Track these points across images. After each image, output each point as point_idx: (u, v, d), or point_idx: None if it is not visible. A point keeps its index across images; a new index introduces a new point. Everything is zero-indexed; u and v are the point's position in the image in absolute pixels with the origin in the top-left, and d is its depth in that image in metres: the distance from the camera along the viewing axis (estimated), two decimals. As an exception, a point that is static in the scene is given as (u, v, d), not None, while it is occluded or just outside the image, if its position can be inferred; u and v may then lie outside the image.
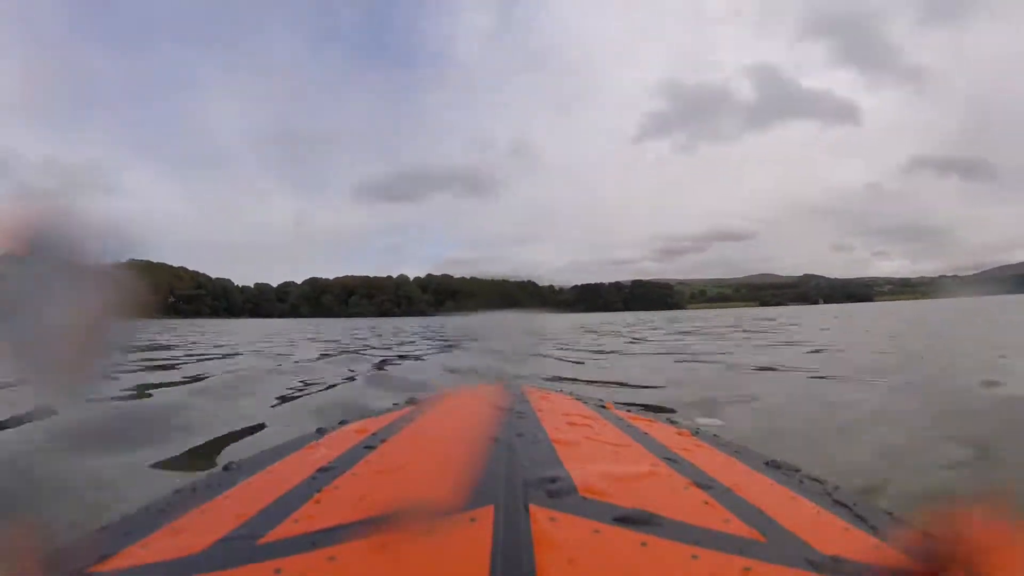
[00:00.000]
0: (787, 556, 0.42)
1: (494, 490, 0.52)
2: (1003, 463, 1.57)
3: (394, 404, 1.29)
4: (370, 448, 0.75)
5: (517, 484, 0.53)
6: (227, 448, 2.95)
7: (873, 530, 0.50)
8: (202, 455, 2.44)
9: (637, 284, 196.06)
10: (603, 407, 1.08)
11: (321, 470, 0.65)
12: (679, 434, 0.84)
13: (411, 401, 1.25)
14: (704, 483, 0.56)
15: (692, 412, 2.48)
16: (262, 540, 0.46)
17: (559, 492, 0.52)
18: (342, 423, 1.10)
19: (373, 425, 0.94)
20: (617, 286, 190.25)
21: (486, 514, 0.46)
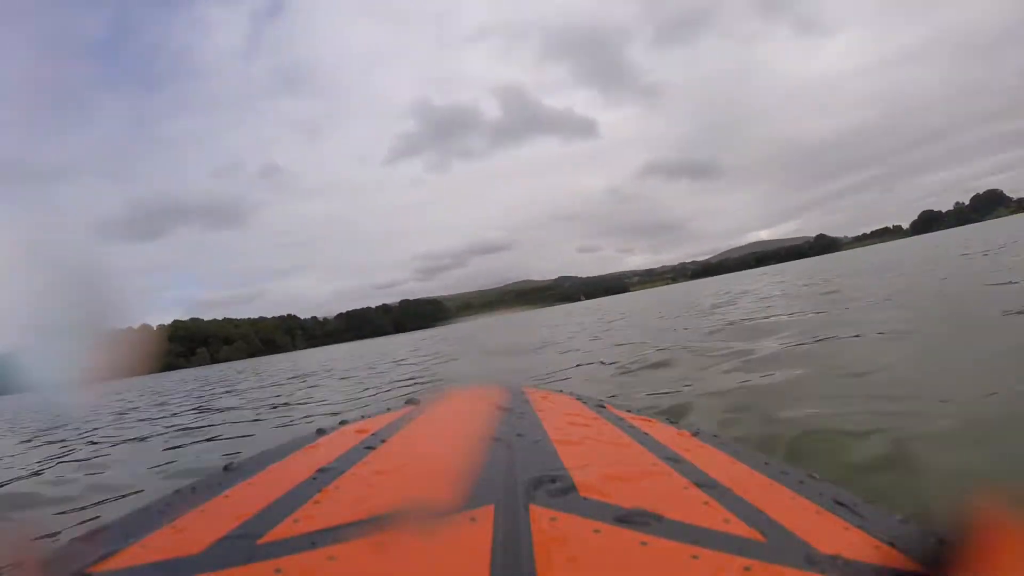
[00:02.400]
0: (787, 556, 0.42)
1: (494, 490, 0.52)
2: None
3: (394, 404, 1.29)
4: (370, 448, 0.75)
5: (517, 484, 0.53)
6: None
7: (873, 530, 0.50)
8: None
9: (405, 304, 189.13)
10: (603, 407, 1.08)
11: (321, 470, 0.65)
12: (679, 434, 0.84)
13: (411, 401, 1.25)
14: (704, 483, 0.56)
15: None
16: (262, 540, 0.46)
17: (559, 492, 0.52)
18: (342, 423, 1.10)
19: (373, 425, 0.94)
20: (385, 308, 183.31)
21: (486, 514, 0.46)
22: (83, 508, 2.05)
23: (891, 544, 0.47)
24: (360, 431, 0.89)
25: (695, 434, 0.85)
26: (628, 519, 0.46)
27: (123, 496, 2.16)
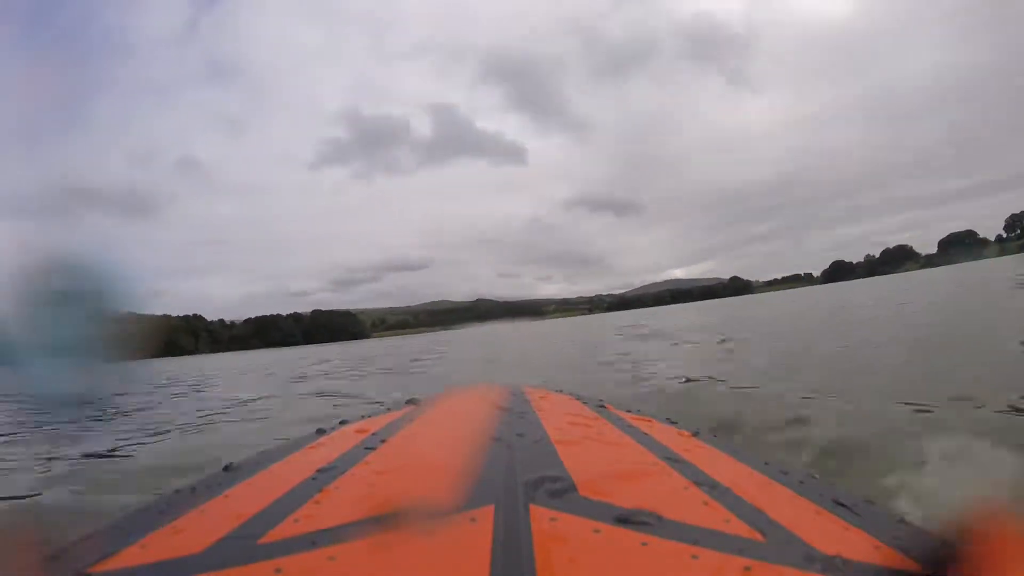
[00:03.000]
0: (787, 556, 0.42)
1: (494, 490, 0.52)
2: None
3: (394, 404, 1.29)
4: (370, 448, 0.75)
5: (517, 484, 0.53)
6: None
7: (873, 530, 0.50)
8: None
9: (317, 315, 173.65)
10: (603, 407, 1.08)
11: (321, 470, 0.65)
12: (679, 434, 0.84)
13: (411, 401, 1.25)
14: (704, 483, 0.56)
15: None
16: (262, 540, 0.46)
17: (559, 492, 0.52)
18: (342, 423, 1.10)
19: (373, 425, 0.94)
20: (296, 317, 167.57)
21: (486, 514, 0.46)
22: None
23: (891, 544, 0.47)
24: (360, 431, 0.89)
25: (695, 434, 0.85)
26: (628, 519, 0.46)
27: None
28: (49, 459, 2.91)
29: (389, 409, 1.21)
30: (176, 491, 0.71)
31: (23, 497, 2.44)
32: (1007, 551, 0.38)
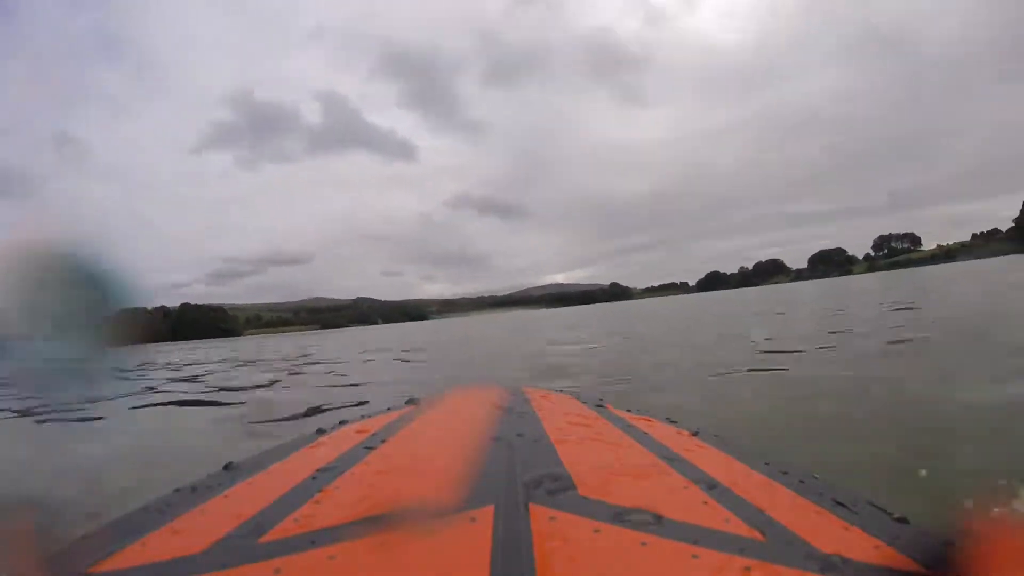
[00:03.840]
0: (787, 556, 0.42)
1: (494, 490, 0.52)
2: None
3: (394, 404, 1.29)
4: (370, 448, 0.75)
5: (517, 483, 0.53)
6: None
7: (873, 530, 0.50)
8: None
9: (186, 309, 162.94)
10: (603, 407, 1.08)
11: (321, 470, 0.65)
12: (679, 434, 0.84)
13: (411, 401, 1.25)
14: (704, 483, 0.56)
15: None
16: (262, 539, 0.46)
17: (559, 491, 0.52)
18: (342, 423, 1.10)
19: (373, 425, 0.94)
20: (164, 311, 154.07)
21: (486, 514, 0.46)
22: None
23: (891, 544, 0.47)
24: (360, 431, 0.89)
25: (695, 434, 0.85)
26: (628, 519, 0.46)
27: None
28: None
29: (389, 409, 1.21)
30: (176, 491, 0.71)
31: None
32: (1007, 551, 0.38)
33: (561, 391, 1.37)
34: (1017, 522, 0.39)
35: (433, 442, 0.86)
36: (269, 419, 3.20)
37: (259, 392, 4.90)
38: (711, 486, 0.55)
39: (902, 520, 0.55)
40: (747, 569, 0.39)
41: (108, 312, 0.57)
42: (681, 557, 0.41)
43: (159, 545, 0.50)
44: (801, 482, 0.64)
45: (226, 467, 0.80)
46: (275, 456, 0.80)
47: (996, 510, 0.41)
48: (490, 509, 0.47)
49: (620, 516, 0.46)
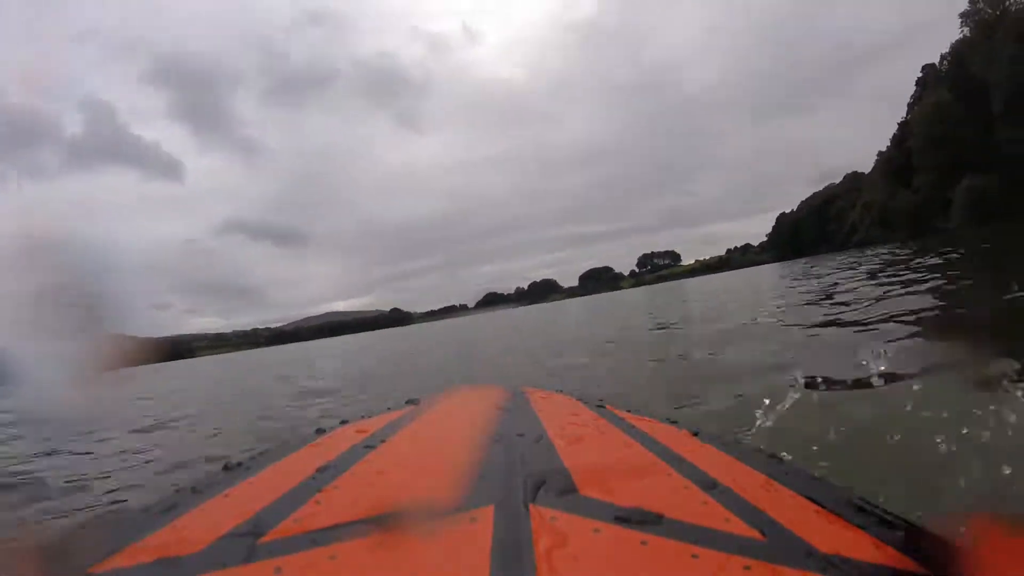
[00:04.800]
0: (787, 556, 0.42)
1: (494, 489, 0.52)
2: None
3: (394, 404, 1.29)
4: (370, 448, 0.75)
5: (517, 483, 0.53)
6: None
7: (873, 530, 0.50)
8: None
9: None
10: (603, 407, 1.08)
11: (321, 470, 0.65)
12: (679, 434, 0.84)
13: (411, 401, 1.24)
14: (704, 483, 0.56)
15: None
16: (262, 539, 0.46)
17: (559, 491, 0.52)
18: (342, 423, 1.10)
19: (373, 425, 0.94)
20: None
21: (486, 514, 0.46)
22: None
23: (891, 544, 0.47)
24: (360, 431, 0.89)
25: (695, 434, 0.85)
26: (628, 519, 0.46)
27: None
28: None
29: (389, 409, 1.21)
30: (176, 491, 0.71)
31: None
32: (1007, 551, 0.38)
33: (560, 391, 1.37)
34: (1017, 522, 0.39)
35: (433, 442, 0.86)
36: None
37: None
38: (711, 486, 0.55)
39: (902, 520, 0.55)
40: (747, 569, 0.39)
41: (104, 331, 0.58)
42: (681, 557, 0.41)
43: (159, 545, 0.50)
44: (801, 482, 0.64)
45: (226, 467, 0.80)
46: (275, 456, 0.80)
47: (996, 510, 0.41)
48: (490, 509, 0.47)
49: (620, 516, 0.46)
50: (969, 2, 34.44)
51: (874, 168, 49.24)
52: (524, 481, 0.54)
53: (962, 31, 36.13)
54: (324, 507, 0.53)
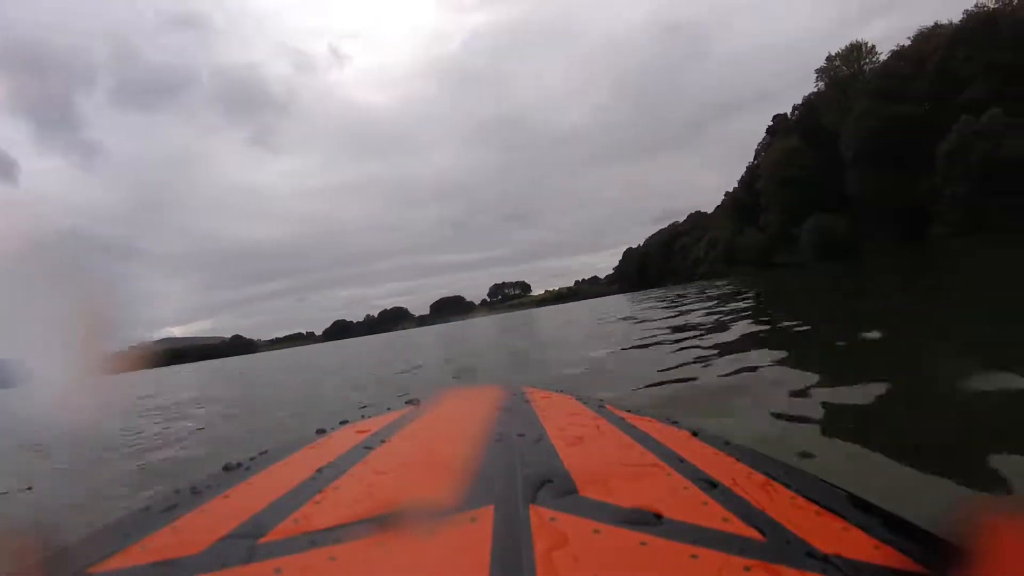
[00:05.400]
0: (787, 556, 0.42)
1: (494, 490, 0.52)
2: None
3: (394, 405, 1.29)
4: (370, 448, 0.75)
5: (517, 483, 0.53)
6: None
7: (873, 530, 0.50)
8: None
9: None
10: (603, 407, 1.08)
11: (321, 470, 0.65)
12: (679, 434, 0.84)
13: (411, 401, 1.24)
14: (704, 483, 0.56)
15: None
16: (262, 540, 0.46)
17: (559, 491, 0.52)
18: (342, 423, 1.10)
19: (373, 425, 0.94)
20: None
21: (486, 514, 0.46)
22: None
23: (891, 544, 0.47)
24: (360, 431, 0.89)
25: (695, 434, 0.85)
26: (628, 519, 0.46)
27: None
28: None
29: (390, 409, 1.21)
30: (176, 491, 0.71)
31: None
32: (1007, 551, 0.38)
33: (561, 391, 1.37)
34: (1017, 522, 0.39)
35: (433, 442, 0.86)
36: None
37: None
38: (711, 486, 0.55)
39: (902, 520, 0.55)
40: (747, 569, 0.39)
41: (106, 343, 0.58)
42: (681, 557, 0.41)
43: (159, 545, 0.50)
44: (801, 482, 0.64)
45: (226, 467, 0.80)
46: (275, 456, 0.80)
47: (995, 510, 0.41)
48: (490, 509, 0.47)
49: (620, 516, 0.46)
50: (826, 60, 39.40)
51: (721, 206, 54.77)
52: (524, 481, 0.54)
53: (817, 85, 41.15)
54: (324, 507, 0.53)
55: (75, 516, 1.95)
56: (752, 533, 0.45)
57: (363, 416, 1.16)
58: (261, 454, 0.86)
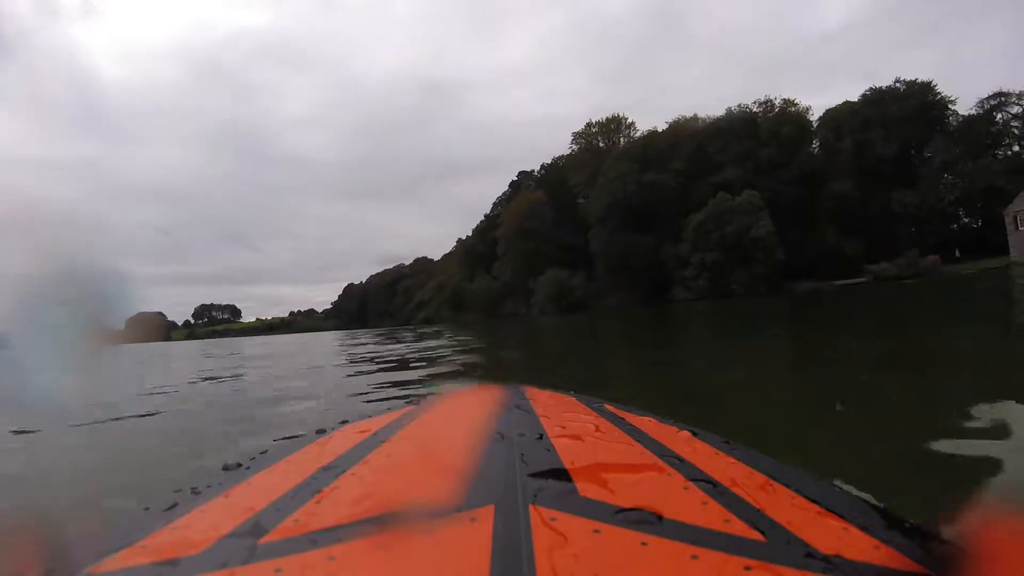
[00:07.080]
0: (787, 556, 0.42)
1: (494, 490, 0.52)
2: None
3: (394, 404, 1.29)
4: (370, 448, 0.75)
5: (517, 484, 0.53)
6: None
7: (873, 530, 0.50)
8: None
9: None
10: (603, 407, 1.08)
11: (321, 470, 0.65)
12: (679, 433, 0.84)
13: (411, 401, 1.25)
14: (704, 483, 0.56)
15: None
16: (263, 540, 0.46)
17: (559, 492, 0.52)
18: (343, 423, 1.10)
19: (373, 425, 0.94)
20: None
21: (486, 514, 0.46)
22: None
23: (891, 544, 0.46)
24: (361, 431, 0.89)
25: (695, 434, 0.85)
26: (628, 519, 0.46)
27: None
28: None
29: (390, 409, 1.21)
30: (176, 491, 0.71)
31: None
32: (1007, 551, 0.38)
33: (561, 391, 1.37)
34: (1017, 522, 0.39)
35: (433, 442, 0.86)
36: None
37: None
38: (711, 486, 0.55)
39: (902, 520, 0.55)
40: (747, 570, 0.39)
41: (104, 320, 0.58)
42: (681, 557, 0.41)
43: (159, 545, 0.50)
44: (801, 482, 0.64)
45: (226, 467, 0.80)
46: (275, 456, 0.80)
47: (996, 510, 0.41)
48: (490, 509, 0.47)
49: (620, 516, 0.46)
50: (586, 125, 43.27)
51: (450, 253, 56.05)
52: (524, 481, 0.54)
53: (571, 148, 44.37)
54: (324, 507, 0.53)
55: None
56: (752, 533, 0.45)
57: (364, 416, 1.16)
58: (261, 454, 0.86)
